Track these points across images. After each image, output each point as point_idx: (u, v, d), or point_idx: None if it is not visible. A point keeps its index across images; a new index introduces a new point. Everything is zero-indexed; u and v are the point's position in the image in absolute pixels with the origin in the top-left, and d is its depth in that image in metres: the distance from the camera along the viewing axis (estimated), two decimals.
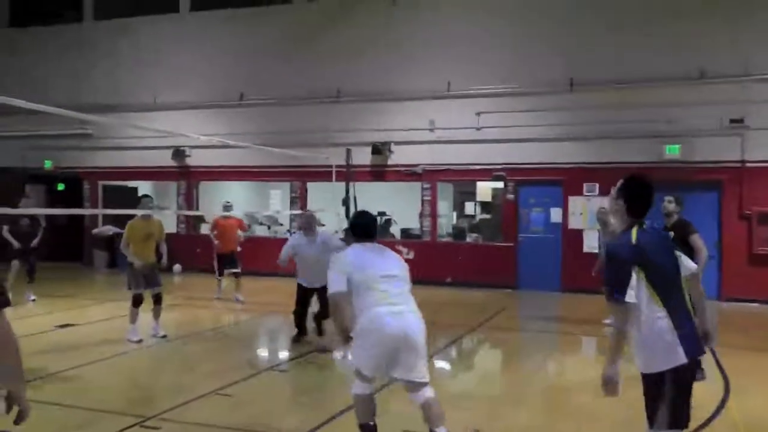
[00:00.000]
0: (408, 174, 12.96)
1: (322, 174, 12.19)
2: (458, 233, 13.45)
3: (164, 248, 7.77)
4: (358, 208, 11.81)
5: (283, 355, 7.54)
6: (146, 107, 14.72)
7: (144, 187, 16.15)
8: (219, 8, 14.79)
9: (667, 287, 2.97)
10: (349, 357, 3.97)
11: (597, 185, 11.87)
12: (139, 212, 7.69)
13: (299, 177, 13.86)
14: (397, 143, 12.98)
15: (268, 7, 14.55)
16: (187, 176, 14.98)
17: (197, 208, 14.91)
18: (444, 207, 13.79)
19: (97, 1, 16.31)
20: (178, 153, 14.53)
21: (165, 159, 14.72)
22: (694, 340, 2.98)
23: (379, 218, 14.34)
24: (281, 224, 15.26)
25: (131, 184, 15.74)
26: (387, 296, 3.88)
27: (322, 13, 14.02)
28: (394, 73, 13.14)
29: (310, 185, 13.91)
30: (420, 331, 3.89)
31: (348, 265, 3.98)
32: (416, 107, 12.95)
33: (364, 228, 4.31)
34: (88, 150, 15.71)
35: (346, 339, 3.91)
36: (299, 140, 13.06)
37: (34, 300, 10.01)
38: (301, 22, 14.12)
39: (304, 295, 7.49)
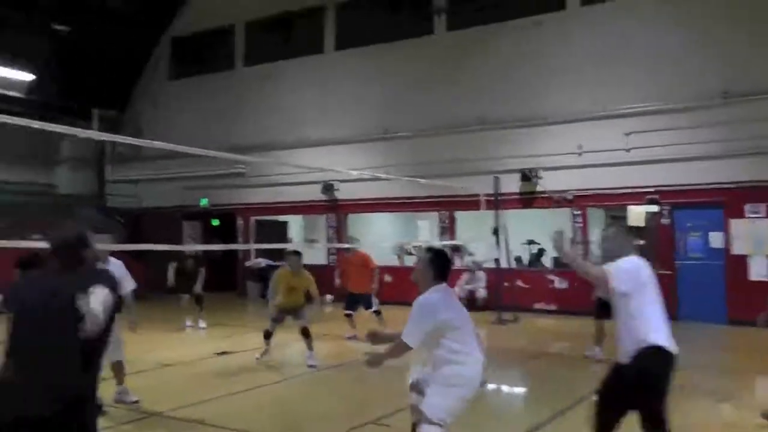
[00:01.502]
0: (557, 200, 16.17)
1: (470, 203, 15.57)
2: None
3: (315, 296, 10.45)
4: (508, 237, 15.37)
5: None
6: (295, 144, 19.37)
7: (294, 221, 21.06)
8: (361, 45, 19.21)
9: None
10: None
11: (763, 206, 14.04)
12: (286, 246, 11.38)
13: (447, 207, 17.58)
14: (546, 169, 16.16)
15: (410, 40, 18.55)
16: (335, 209, 19.39)
17: (347, 241, 19.23)
18: (595, 233, 16.86)
19: (247, 49, 21.66)
20: (327, 187, 18.92)
21: (314, 193, 19.12)
22: None
23: (529, 247, 17.87)
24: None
25: (282, 218, 20.67)
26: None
27: (464, 41, 17.72)
28: (540, 96, 16.44)
29: (458, 214, 17.68)
30: None
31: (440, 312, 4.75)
32: (563, 131, 16.08)
33: (447, 269, 5.09)
34: (241, 188, 20.76)
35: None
36: (446, 170, 16.63)
37: (204, 328, 14.15)
38: (443, 52, 18.00)
39: None
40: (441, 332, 4.76)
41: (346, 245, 14.94)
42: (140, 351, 9.95)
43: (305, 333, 10.19)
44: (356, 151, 18.74)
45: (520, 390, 9.47)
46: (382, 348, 5.09)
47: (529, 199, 16.60)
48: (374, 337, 5.50)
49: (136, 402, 7.71)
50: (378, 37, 19.06)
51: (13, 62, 20.53)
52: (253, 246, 20.06)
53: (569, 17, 16.62)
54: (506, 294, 15.12)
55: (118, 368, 7.77)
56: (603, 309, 9.30)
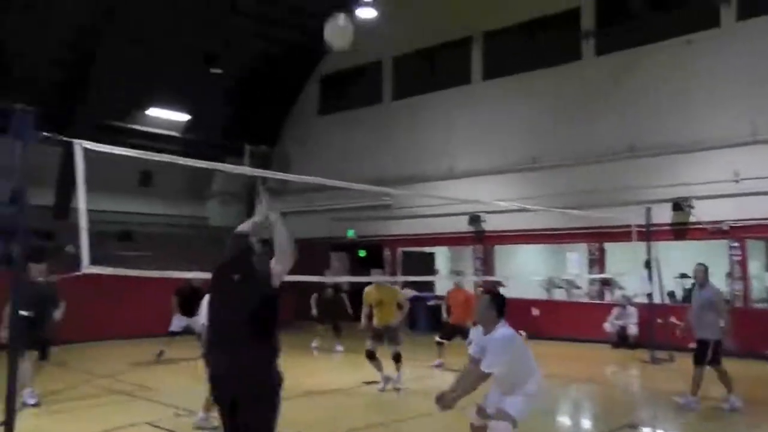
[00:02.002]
0: (712, 231, 16.74)
1: (620, 234, 16.53)
2: None
3: (404, 309, 11.98)
4: (660, 271, 16.20)
5: (586, 428, 10.26)
6: (442, 176, 21.07)
7: (441, 252, 22.81)
8: (508, 74, 20.69)
9: None
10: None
11: None
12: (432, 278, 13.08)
13: (596, 238, 18.55)
14: (699, 198, 16.81)
15: (557, 67, 19.82)
16: (482, 240, 20.93)
17: (493, 272, 20.74)
18: (756, 267, 17.05)
19: (394, 83, 23.83)
20: (474, 218, 20.46)
21: (461, 225, 20.63)
22: None
23: (682, 281, 18.56)
24: (579, 287, 20.25)
25: (428, 249, 22.47)
26: None
27: (613, 65, 18.75)
28: (693, 120, 17.07)
29: (608, 246, 18.73)
30: None
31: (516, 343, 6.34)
32: (718, 157, 16.55)
33: (504, 307, 6.38)
34: (387, 219, 22.74)
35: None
36: (595, 200, 17.59)
37: (341, 350, 16.31)
38: (592, 77, 19.10)
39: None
40: (515, 358, 6.28)
41: (490, 277, 16.40)
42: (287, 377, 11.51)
43: (396, 358, 11.68)
44: (503, 182, 20.18)
45: None
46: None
47: (681, 230, 17.26)
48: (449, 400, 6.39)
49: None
50: (525, 64, 20.45)
51: (171, 104, 23.62)
52: (400, 278, 21.92)
53: (724, 34, 17.11)
54: (659, 331, 15.02)
55: None
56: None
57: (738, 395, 10.13)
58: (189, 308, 13.78)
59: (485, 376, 6.24)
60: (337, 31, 6.80)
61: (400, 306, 12.03)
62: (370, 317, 12.03)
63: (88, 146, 5.86)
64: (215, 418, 8.43)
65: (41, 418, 9.28)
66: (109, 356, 14.61)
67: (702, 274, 10.68)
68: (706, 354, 10.05)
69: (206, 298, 7.76)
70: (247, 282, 5.02)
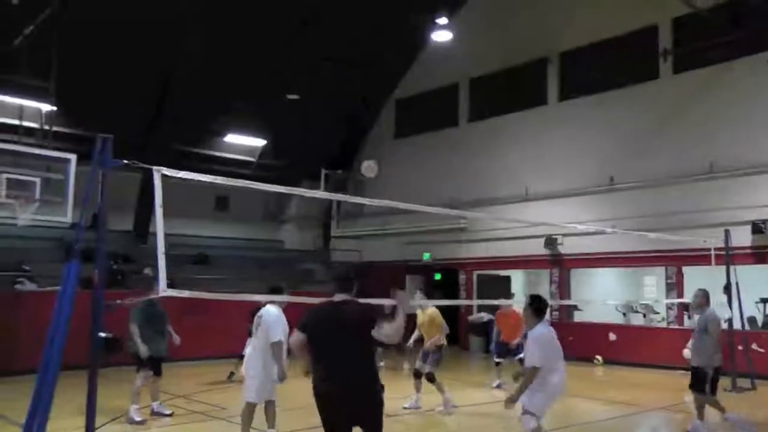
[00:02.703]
0: None
1: (699, 258, 16.46)
2: None
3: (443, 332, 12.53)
4: (740, 294, 16.04)
5: None
6: (518, 198, 21.34)
7: (516, 276, 22.99)
8: (585, 95, 20.93)
9: None
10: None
11: None
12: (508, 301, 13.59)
13: (674, 261, 18.44)
14: None
15: (634, 86, 19.90)
16: (559, 264, 21.02)
17: (569, 296, 20.81)
18: None
19: (471, 105, 24.26)
20: (550, 241, 20.57)
21: (537, 248, 20.81)
22: None
23: (764, 306, 18.29)
24: (657, 312, 20.12)
25: (504, 273, 22.67)
26: None
27: (691, 84, 18.74)
28: None
29: (686, 270, 18.59)
30: None
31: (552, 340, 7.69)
32: None
33: (545, 307, 7.91)
34: (463, 242, 23.08)
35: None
36: (672, 222, 17.62)
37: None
38: (670, 96, 19.12)
39: None
40: (545, 354, 7.46)
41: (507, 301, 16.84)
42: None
43: (430, 378, 12.24)
44: (579, 204, 20.28)
45: None
46: None
47: (762, 253, 17.07)
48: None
49: None
50: (601, 84, 20.63)
51: (247, 129, 24.54)
52: (476, 302, 22.20)
53: None
54: (740, 358, 14.85)
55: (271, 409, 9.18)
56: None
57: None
58: None
59: (534, 371, 7.41)
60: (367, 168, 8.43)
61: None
62: (419, 340, 12.93)
63: (166, 172, 6.36)
64: None
65: None
66: (186, 376, 15.29)
67: (701, 298, 10.73)
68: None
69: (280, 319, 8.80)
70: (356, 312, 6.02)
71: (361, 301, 6.21)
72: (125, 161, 5.87)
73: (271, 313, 8.90)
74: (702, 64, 18.70)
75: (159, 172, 6.18)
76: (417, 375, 12.49)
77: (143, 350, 10.65)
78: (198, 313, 16.74)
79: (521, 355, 14.25)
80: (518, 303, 16.65)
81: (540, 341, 7.50)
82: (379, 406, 5.93)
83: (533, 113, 22.26)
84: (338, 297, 6.09)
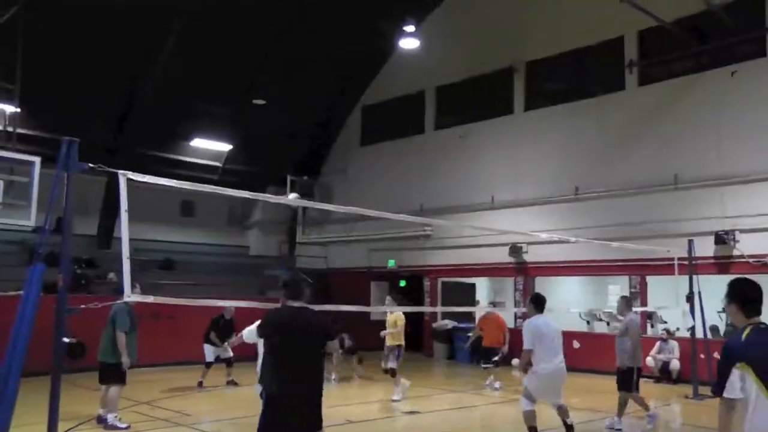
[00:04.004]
0: (756, 265, 16.58)
1: (663, 267, 16.64)
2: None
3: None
4: (703, 304, 16.26)
5: None
6: (483, 207, 21.40)
7: (481, 283, 23.07)
8: (551, 105, 21.08)
9: None
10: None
11: None
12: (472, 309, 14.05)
13: (638, 271, 18.59)
14: (743, 231, 16.84)
15: (600, 97, 20.08)
16: (523, 272, 21.11)
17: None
18: None
19: (437, 113, 24.31)
20: (515, 249, 20.66)
21: (502, 255, 20.88)
22: None
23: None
24: (620, 320, 20.23)
25: (469, 280, 22.73)
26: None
27: (656, 96, 18.96)
28: (737, 152, 17.10)
29: (650, 279, 18.75)
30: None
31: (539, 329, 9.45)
32: (763, 189, 16.63)
33: (543, 304, 9.74)
34: (428, 249, 23.10)
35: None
36: (637, 232, 17.75)
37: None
38: (634, 108, 19.30)
39: None
40: (536, 341, 9.26)
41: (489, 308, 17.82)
42: (328, 405, 11.93)
43: (392, 373, 13.74)
44: (545, 213, 20.41)
45: None
46: None
47: (724, 263, 17.27)
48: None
49: None
50: (568, 95, 20.87)
51: (213, 134, 24.37)
52: (440, 309, 22.23)
53: None
54: (702, 366, 15.06)
55: None
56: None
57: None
58: (221, 338, 15.18)
59: (526, 353, 9.41)
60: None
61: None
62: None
63: (132, 176, 6.27)
64: None
65: None
66: (150, 382, 15.11)
67: (623, 305, 12.36)
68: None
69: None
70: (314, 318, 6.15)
71: (317, 309, 6.36)
72: (91, 165, 5.77)
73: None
74: (668, 76, 18.99)
75: (125, 177, 6.08)
76: (392, 373, 13.94)
77: (126, 361, 10.42)
78: (163, 319, 16.64)
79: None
80: (482, 309, 17.10)
81: (528, 327, 9.41)
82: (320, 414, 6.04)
83: (500, 122, 22.39)
84: (294, 303, 6.10)
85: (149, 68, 21.05)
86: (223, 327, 15.25)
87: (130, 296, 6.03)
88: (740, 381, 4.24)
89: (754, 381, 4.16)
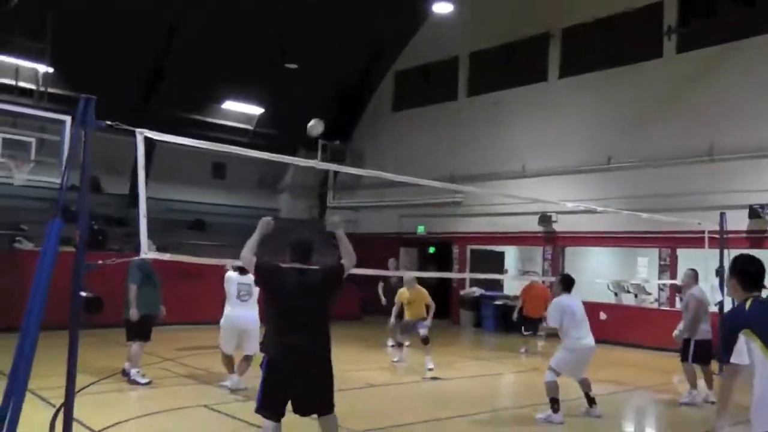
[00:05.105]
0: None
1: (694, 240, 16.37)
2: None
3: (431, 308, 13.61)
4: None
5: None
6: (515, 175, 21.24)
7: (510, 252, 22.99)
8: (586, 72, 20.76)
9: None
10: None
11: None
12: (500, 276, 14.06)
13: (668, 243, 18.41)
14: None
15: (637, 65, 19.70)
16: (553, 241, 20.98)
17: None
18: None
19: (471, 80, 24.08)
20: (545, 219, 20.51)
21: (531, 224, 20.76)
22: None
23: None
24: (649, 293, 20.08)
25: (498, 248, 22.65)
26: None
27: (694, 64, 18.59)
28: None
29: (680, 252, 18.50)
30: None
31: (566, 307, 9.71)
32: None
33: (572, 284, 9.98)
34: (458, 216, 23.04)
35: None
36: (669, 203, 17.53)
37: (407, 345, 16.50)
38: (671, 77, 18.96)
39: None
40: (563, 319, 9.56)
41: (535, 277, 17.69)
42: (348, 369, 11.67)
43: (425, 341, 13.30)
44: (576, 182, 20.23)
45: None
46: None
47: (758, 238, 17.04)
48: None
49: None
50: (603, 62, 20.43)
51: (245, 97, 24.39)
52: (468, 275, 22.22)
53: None
54: None
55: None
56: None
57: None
58: None
59: (553, 329, 10.07)
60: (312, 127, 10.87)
61: (428, 307, 13.72)
62: (399, 315, 14.17)
63: (149, 135, 6.22)
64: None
65: (106, 396, 10.00)
66: (178, 341, 15.30)
67: (689, 278, 12.14)
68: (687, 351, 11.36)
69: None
70: (319, 276, 6.10)
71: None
72: (108, 123, 5.75)
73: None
74: (707, 43, 18.52)
75: (142, 135, 6.05)
76: (399, 345, 14.20)
77: (134, 313, 10.56)
78: (192, 278, 16.79)
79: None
80: (515, 279, 16.93)
81: (554, 306, 9.77)
82: (329, 376, 6.00)
83: (533, 89, 22.13)
84: (299, 265, 6.11)
85: (182, 30, 21.08)
86: None
87: (147, 253, 6.05)
88: (747, 348, 4.38)
89: (759, 347, 4.31)
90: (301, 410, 5.96)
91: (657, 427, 11.23)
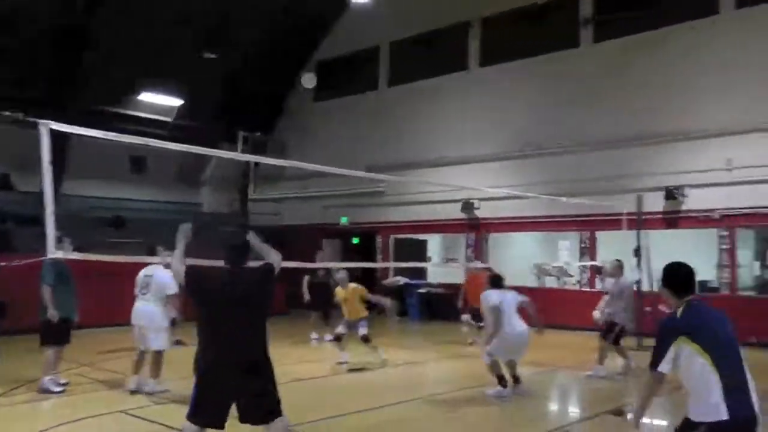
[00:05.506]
0: (703, 220, 16.85)
1: (612, 223, 16.66)
2: (762, 285, 16.77)
3: (376, 299, 13.70)
4: (650, 258, 16.32)
5: (573, 414, 10.51)
6: (437, 163, 21.15)
7: (433, 240, 22.91)
8: (506, 61, 20.75)
9: (721, 353, 4.55)
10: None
11: None
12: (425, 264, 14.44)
13: (588, 226, 18.63)
14: (692, 186, 16.92)
15: (555, 54, 19.85)
16: (475, 228, 21.02)
17: (486, 260, 20.77)
18: (745, 256, 17.11)
19: (391, 69, 23.89)
20: (467, 205, 20.50)
21: (454, 212, 20.73)
22: (740, 403, 4.45)
23: None
24: (570, 275, 20.32)
25: (421, 237, 22.53)
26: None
27: (610, 53, 18.83)
28: (688, 109, 17.18)
29: (600, 234, 18.74)
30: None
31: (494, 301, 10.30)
32: (712, 145, 16.72)
33: (501, 282, 10.78)
34: (381, 206, 22.82)
35: None
36: (588, 188, 17.67)
37: (321, 340, 16.13)
38: (587, 66, 19.17)
39: None
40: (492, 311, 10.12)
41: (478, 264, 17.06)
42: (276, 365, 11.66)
43: (365, 339, 13.03)
44: (498, 169, 20.25)
45: (661, 422, 9.30)
46: None
47: (673, 218, 17.41)
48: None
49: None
50: (522, 51, 20.51)
51: (163, 88, 23.63)
52: (392, 264, 22.07)
53: (722, 22, 17.26)
54: (648, 319, 15.01)
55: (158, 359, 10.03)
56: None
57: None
58: None
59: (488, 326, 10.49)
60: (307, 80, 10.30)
61: (369, 302, 13.50)
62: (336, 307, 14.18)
63: (55, 127, 5.86)
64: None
65: (17, 408, 9.38)
66: (94, 344, 14.61)
67: (616, 269, 12.63)
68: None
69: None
70: (252, 277, 5.87)
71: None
72: (6, 113, 5.35)
73: (163, 272, 9.63)
74: (623, 33, 18.83)
75: (46, 127, 5.65)
76: (338, 339, 13.29)
77: (53, 314, 9.94)
78: (111, 277, 16.08)
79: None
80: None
81: (484, 299, 10.41)
82: (270, 379, 5.72)
83: (455, 78, 22.08)
84: (233, 267, 5.84)
85: (97, 21, 20.29)
86: None
87: (54, 253, 5.65)
88: (675, 356, 4.63)
89: (693, 349, 4.57)
90: (246, 417, 5.63)
91: (579, 402, 11.49)
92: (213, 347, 5.57)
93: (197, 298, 5.78)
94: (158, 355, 10.06)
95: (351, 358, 13.16)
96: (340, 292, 13.41)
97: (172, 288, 9.81)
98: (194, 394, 5.57)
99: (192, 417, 5.54)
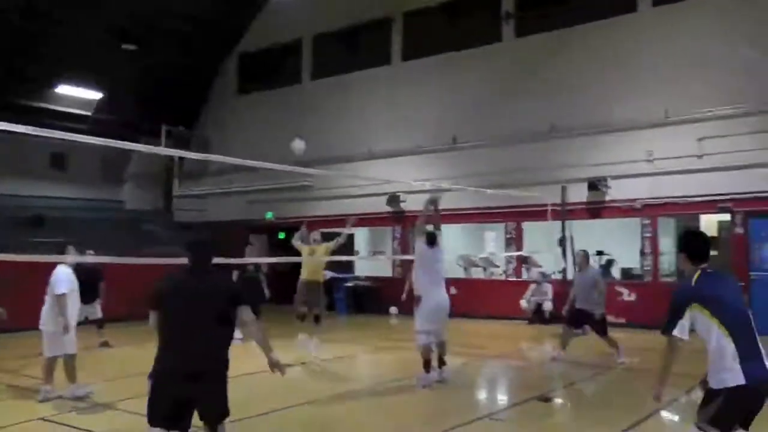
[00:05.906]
0: (626, 209, 17.11)
1: (537, 213, 16.78)
2: (682, 272, 17.28)
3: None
4: (575, 248, 16.48)
5: (501, 402, 10.38)
6: (362, 157, 20.93)
7: (360, 234, 22.68)
8: (429, 55, 20.68)
9: (733, 321, 4.68)
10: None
11: None
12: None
13: (514, 217, 18.73)
14: (614, 177, 17.10)
15: (477, 48, 19.88)
16: (402, 221, 20.88)
17: (412, 252, 20.67)
18: (666, 244, 17.51)
19: (315, 63, 23.54)
20: (393, 199, 20.39)
21: (381, 205, 20.55)
22: (756, 368, 4.59)
23: (598, 258, 18.87)
24: (497, 266, 20.38)
25: (348, 231, 22.16)
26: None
27: (532, 48, 18.95)
28: (609, 103, 17.38)
29: (525, 225, 18.82)
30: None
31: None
32: (633, 137, 16.98)
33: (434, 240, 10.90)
34: (307, 200, 22.50)
35: None
36: (513, 180, 17.70)
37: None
38: (510, 60, 19.26)
39: None
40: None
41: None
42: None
43: (317, 319, 13.41)
44: (423, 162, 20.20)
45: (587, 405, 9.71)
46: None
47: (597, 208, 17.60)
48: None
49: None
50: (446, 46, 20.49)
51: (81, 81, 22.76)
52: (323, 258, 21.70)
53: (640, 19, 17.57)
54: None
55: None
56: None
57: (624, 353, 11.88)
58: (86, 295, 11.71)
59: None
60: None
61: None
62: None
63: None
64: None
65: None
66: (16, 348, 13.87)
67: (582, 259, 12.69)
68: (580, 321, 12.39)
69: None
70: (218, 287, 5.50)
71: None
72: None
73: (60, 271, 9.27)
74: (545, 28, 18.96)
75: None
76: (301, 318, 13.73)
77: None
78: (27, 278, 15.32)
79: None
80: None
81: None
82: (222, 382, 5.41)
83: (378, 72, 21.93)
84: (195, 266, 5.45)
85: (9, 10, 19.39)
86: (86, 281, 11.44)
87: None
88: (690, 322, 4.79)
89: (707, 316, 4.72)
90: (204, 417, 5.32)
91: (507, 390, 11.47)
92: (169, 348, 5.24)
93: (160, 305, 5.39)
94: (69, 359, 9.36)
95: (282, 354, 12.73)
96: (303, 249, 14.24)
97: (60, 288, 9.12)
98: (148, 396, 5.23)
99: (149, 421, 5.20)
